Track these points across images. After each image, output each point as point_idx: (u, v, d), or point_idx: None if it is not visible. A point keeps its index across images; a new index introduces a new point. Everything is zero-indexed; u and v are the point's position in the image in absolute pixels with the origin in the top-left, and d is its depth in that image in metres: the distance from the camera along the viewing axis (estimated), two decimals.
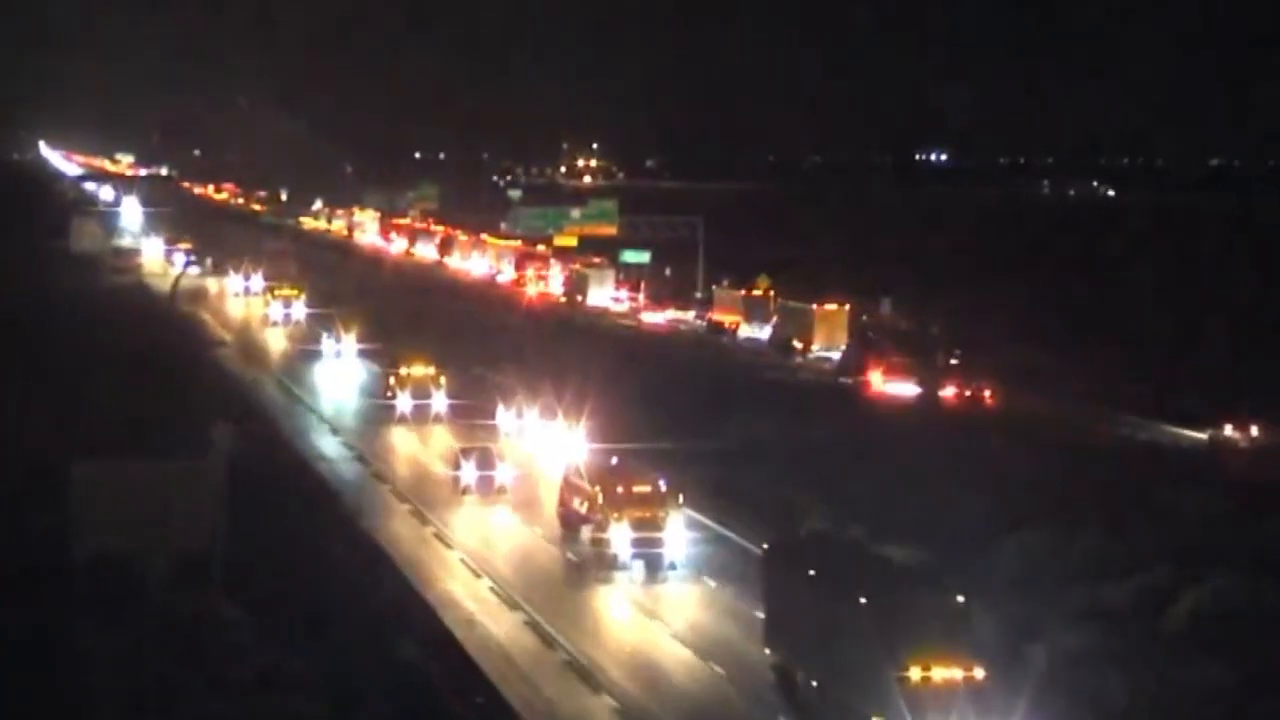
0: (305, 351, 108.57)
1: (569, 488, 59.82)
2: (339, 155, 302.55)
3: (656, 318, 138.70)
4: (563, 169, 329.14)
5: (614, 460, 60.47)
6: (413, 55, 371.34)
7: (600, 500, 56.15)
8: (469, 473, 67.41)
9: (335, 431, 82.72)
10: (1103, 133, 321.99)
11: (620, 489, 56.25)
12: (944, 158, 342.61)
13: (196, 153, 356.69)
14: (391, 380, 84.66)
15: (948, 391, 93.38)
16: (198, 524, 49.93)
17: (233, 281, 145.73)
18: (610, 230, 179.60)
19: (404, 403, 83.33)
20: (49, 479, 53.81)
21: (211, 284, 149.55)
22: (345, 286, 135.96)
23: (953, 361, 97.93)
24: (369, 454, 76.90)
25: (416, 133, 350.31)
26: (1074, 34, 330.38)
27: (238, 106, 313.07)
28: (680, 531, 55.73)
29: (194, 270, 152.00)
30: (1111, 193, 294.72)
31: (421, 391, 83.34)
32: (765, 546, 48.38)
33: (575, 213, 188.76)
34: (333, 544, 57.81)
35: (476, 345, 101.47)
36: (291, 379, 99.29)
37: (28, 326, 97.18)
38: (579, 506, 58.32)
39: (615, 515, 55.23)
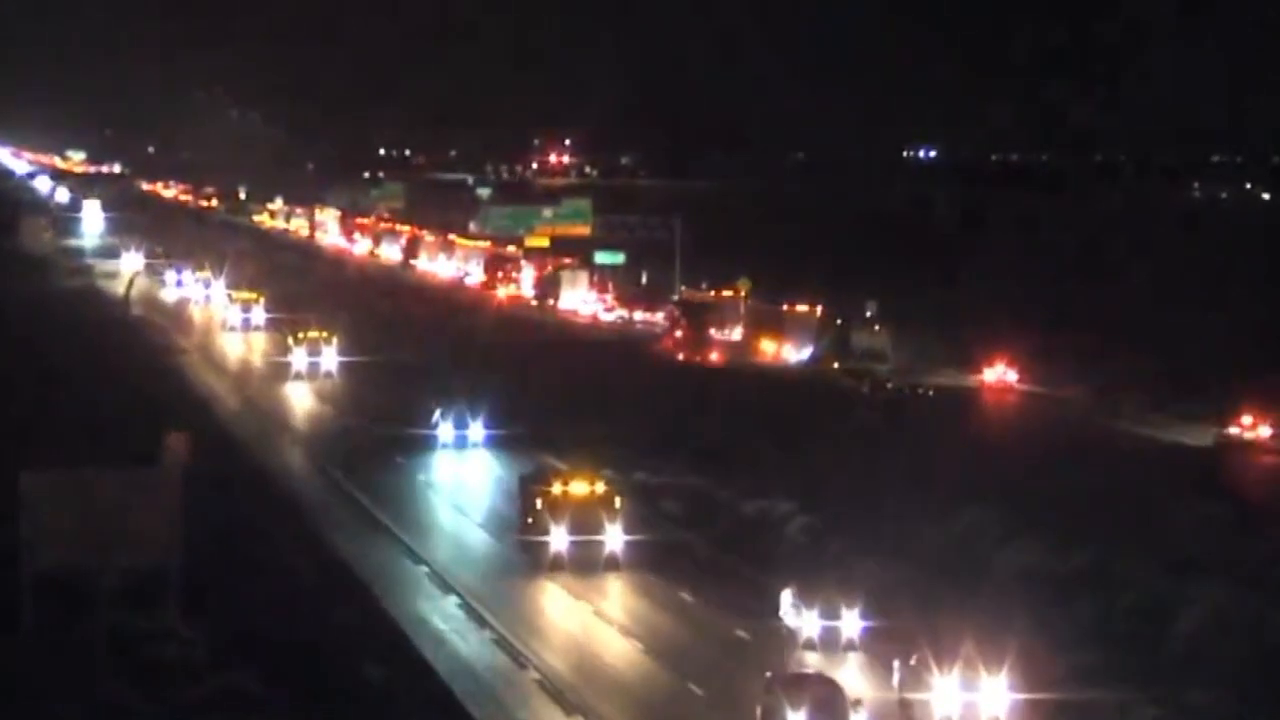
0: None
1: None
2: (301, 152, 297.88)
3: (610, 317, 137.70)
4: (534, 166, 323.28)
5: None
6: (378, 49, 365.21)
7: None
8: None
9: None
10: (1102, 130, 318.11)
11: None
12: (933, 154, 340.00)
13: (150, 149, 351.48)
14: (538, 502, 58.64)
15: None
16: (154, 537, 47.50)
17: (222, 306, 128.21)
18: (584, 230, 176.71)
19: (559, 538, 57.81)
20: None
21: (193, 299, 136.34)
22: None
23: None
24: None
25: (381, 129, 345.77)
26: (1071, 29, 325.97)
27: (194, 101, 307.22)
28: None
29: (190, 290, 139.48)
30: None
31: (586, 522, 57.91)
32: None
33: (547, 212, 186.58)
34: None
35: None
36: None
37: None
38: None
39: None
